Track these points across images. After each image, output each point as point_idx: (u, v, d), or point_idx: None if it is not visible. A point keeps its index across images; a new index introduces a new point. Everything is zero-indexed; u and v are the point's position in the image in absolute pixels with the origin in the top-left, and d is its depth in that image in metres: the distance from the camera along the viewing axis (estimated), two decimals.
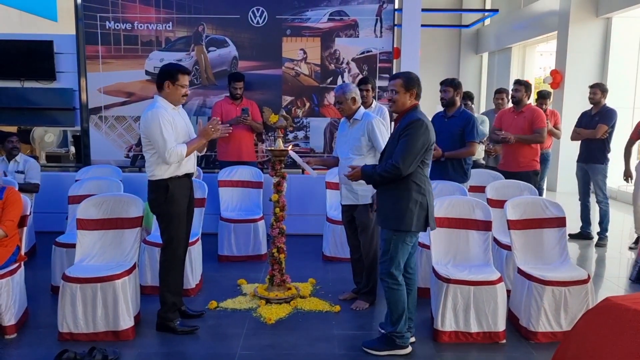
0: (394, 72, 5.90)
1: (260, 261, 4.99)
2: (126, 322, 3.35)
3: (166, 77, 3.39)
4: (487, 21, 14.37)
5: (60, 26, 9.41)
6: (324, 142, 5.98)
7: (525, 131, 5.17)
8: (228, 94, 5.53)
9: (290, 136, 5.97)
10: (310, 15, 5.83)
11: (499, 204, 4.25)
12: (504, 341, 3.37)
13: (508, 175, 5.02)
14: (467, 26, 14.39)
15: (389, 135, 3.39)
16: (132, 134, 5.99)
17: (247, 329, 3.52)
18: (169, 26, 5.83)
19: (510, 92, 5.42)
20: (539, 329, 3.38)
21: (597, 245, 5.74)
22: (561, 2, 9.31)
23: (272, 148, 3.94)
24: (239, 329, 3.53)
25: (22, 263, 3.58)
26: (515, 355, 3.24)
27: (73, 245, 3.95)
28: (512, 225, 3.67)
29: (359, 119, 3.78)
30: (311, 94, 5.94)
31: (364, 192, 3.74)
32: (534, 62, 13.16)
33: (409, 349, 3.21)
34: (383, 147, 3.63)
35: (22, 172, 5.06)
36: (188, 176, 3.55)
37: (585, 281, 3.42)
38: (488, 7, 14.75)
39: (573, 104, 8.39)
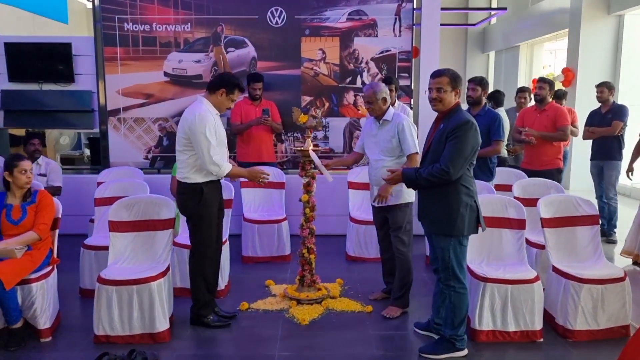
0: (413, 72, 5.92)
1: (284, 262, 4.97)
2: (162, 324, 3.34)
3: (224, 85, 3.45)
4: (494, 20, 14.36)
5: (69, 29, 9.40)
6: (344, 142, 5.97)
7: (549, 129, 5.15)
8: (247, 95, 5.51)
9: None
10: (329, 15, 5.82)
11: (526, 202, 4.21)
12: (542, 340, 3.35)
13: (531, 173, 5.00)
14: (473, 25, 14.38)
15: (428, 134, 3.31)
16: (151, 136, 5.98)
17: (282, 330, 3.51)
18: (187, 27, 5.82)
19: (534, 90, 5.37)
20: (577, 327, 3.36)
21: (607, 242, 5.70)
22: (572, 0, 9.29)
23: (302, 148, 3.92)
24: (274, 330, 3.52)
25: (55, 266, 3.57)
26: (554, 354, 3.23)
27: (102, 248, 4.00)
28: (546, 223, 3.65)
29: (389, 119, 3.70)
30: (330, 93, 5.93)
31: (397, 193, 3.69)
32: (541, 60, 13.14)
33: (466, 351, 3.18)
34: (412, 148, 3.60)
35: (44, 175, 5.04)
36: (219, 180, 3.60)
37: (622, 279, 3.41)
38: (494, 5, 14.74)
39: (586, 102, 8.37)
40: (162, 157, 6.01)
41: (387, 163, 3.64)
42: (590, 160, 6.03)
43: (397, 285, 3.75)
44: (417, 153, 3.63)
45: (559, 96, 6.44)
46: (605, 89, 5.77)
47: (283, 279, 4.46)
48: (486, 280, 3.33)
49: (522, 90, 6.39)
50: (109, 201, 4.32)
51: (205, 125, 3.32)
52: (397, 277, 3.75)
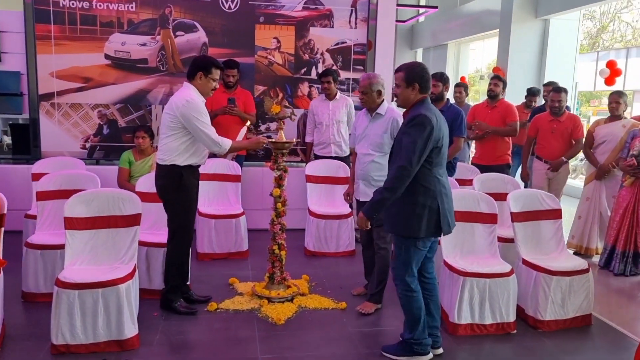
0: (368, 64, 5.90)
1: (243, 258, 4.77)
2: (130, 330, 3.06)
3: (200, 68, 3.42)
4: (422, 18, 14.77)
5: None
6: (297, 134, 5.83)
7: (500, 125, 5.34)
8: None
9: (262, 127, 5.76)
10: (284, 3, 5.64)
11: None
12: (515, 331, 3.45)
13: (482, 168, 5.16)
14: (403, 22, 14.68)
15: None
16: (90, 123, 5.50)
17: (259, 331, 3.35)
18: (131, 7, 5.40)
19: (489, 86, 5.52)
20: (547, 317, 3.50)
21: None
22: (503, 2, 9.73)
23: (275, 140, 3.75)
24: (250, 331, 3.35)
25: (1, 269, 3.15)
26: (528, 344, 3.33)
27: (49, 247, 3.65)
28: (515, 217, 3.76)
29: (382, 113, 3.61)
30: (285, 84, 5.77)
31: None
32: (468, 59, 13.72)
33: (430, 356, 3.06)
34: None
35: None
36: (198, 166, 3.55)
37: (586, 271, 3.59)
38: (423, 3, 15.16)
39: (515, 100, 8.80)
40: (103, 146, 5.56)
41: (376, 159, 3.57)
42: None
43: (375, 280, 3.71)
44: None
45: (533, 93, 6.71)
46: (550, 88, 6.07)
47: (246, 276, 4.28)
48: (465, 274, 3.36)
49: (458, 86, 6.61)
50: (53, 195, 3.95)
51: (198, 109, 3.35)
52: (375, 272, 3.70)
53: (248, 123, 3.93)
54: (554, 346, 3.31)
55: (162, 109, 5.33)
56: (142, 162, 4.75)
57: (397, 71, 2.98)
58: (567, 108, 5.50)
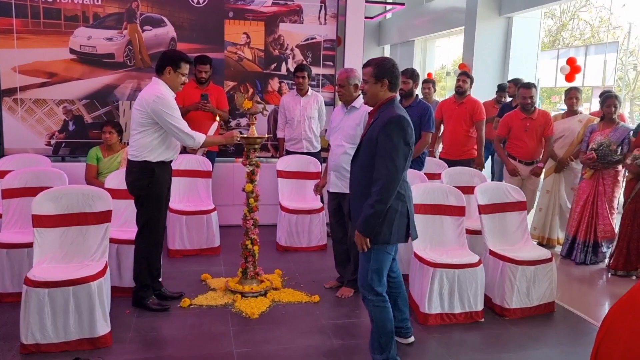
0: (338, 60, 5.95)
1: (214, 254, 4.76)
2: (103, 327, 3.03)
3: (168, 63, 3.40)
4: (389, 14, 14.90)
5: None
6: (268, 129, 5.84)
7: (467, 121, 5.46)
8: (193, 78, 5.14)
9: (233, 123, 5.74)
10: None
11: None
12: (483, 319, 3.56)
13: (450, 163, 5.28)
14: (371, 18, 14.81)
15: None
16: (54, 119, 5.38)
17: (233, 325, 3.36)
18: (97, 0, 5.28)
19: (457, 82, 5.62)
20: (513, 305, 3.62)
21: None
22: (468, 0, 9.92)
23: (247, 135, 3.76)
24: (224, 326, 3.36)
25: None
26: (496, 332, 3.45)
27: (15, 245, 3.59)
28: (482, 209, 3.87)
29: (357, 107, 3.67)
30: (255, 79, 5.76)
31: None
32: (434, 55, 13.93)
33: None
34: None
35: None
36: (170, 162, 3.55)
37: (550, 260, 3.73)
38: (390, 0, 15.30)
39: (480, 96, 9.01)
40: (68, 143, 5.44)
41: (348, 150, 3.61)
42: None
43: (352, 266, 3.79)
44: None
45: (503, 89, 6.84)
46: (513, 85, 6.26)
47: (218, 272, 4.27)
48: (435, 265, 3.45)
49: (426, 82, 6.73)
50: (19, 193, 3.87)
51: (168, 105, 3.33)
52: (352, 259, 3.80)
53: (218, 118, 3.92)
54: (520, 333, 3.44)
55: (130, 104, 5.34)
56: (111, 159, 4.67)
57: (365, 66, 2.84)
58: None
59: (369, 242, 2.68)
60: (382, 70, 2.75)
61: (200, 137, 3.46)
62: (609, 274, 4.67)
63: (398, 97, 2.84)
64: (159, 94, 3.32)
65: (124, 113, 5.47)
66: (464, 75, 5.58)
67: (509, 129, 5.22)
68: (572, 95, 5.23)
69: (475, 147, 5.59)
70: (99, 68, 5.38)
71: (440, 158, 5.59)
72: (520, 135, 5.14)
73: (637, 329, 1.86)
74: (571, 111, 5.26)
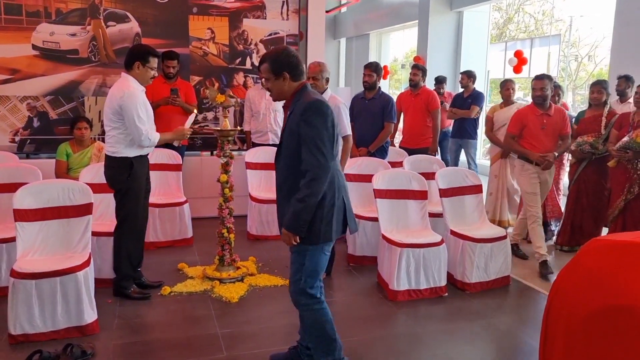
0: (300, 55, 6.13)
1: (188, 245, 4.89)
2: (90, 315, 3.15)
3: (136, 58, 3.45)
4: (344, 8, 15.16)
5: None
6: (234, 123, 5.97)
7: (423, 111, 5.76)
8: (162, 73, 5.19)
9: (200, 117, 5.85)
10: None
11: None
12: (446, 294, 3.87)
13: (409, 151, 5.58)
14: (327, 12, 15.01)
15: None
16: (18, 116, 5.34)
17: (215, 310, 3.53)
18: None
19: (410, 75, 5.91)
20: (472, 280, 3.94)
21: None
22: None
23: (220, 128, 3.91)
24: (206, 310, 3.52)
25: None
26: (458, 304, 3.76)
27: None
28: (443, 193, 4.17)
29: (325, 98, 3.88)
30: (220, 74, 5.88)
31: None
32: (389, 48, 14.29)
33: None
34: (347, 130, 3.82)
35: None
36: (147, 154, 3.66)
37: (504, 237, 4.07)
38: None
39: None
40: (33, 140, 5.42)
41: None
42: (451, 137, 6.88)
43: None
44: (350, 135, 3.85)
45: (440, 81, 7.18)
46: (465, 76, 6.63)
47: (194, 262, 4.42)
48: (402, 245, 3.72)
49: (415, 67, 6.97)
50: None
51: (136, 102, 3.39)
52: None
53: (195, 111, 4.04)
54: (480, 304, 3.76)
55: (96, 100, 5.37)
56: (81, 154, 4.72)
57: (261, 62, 2.62)
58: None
59: (303, 242, 2.45)
60: (278, 65, 2.52)
61: (155, 138, 3.51)
62: (557, 249, 5.08)
63: (308, 84, 2.59)
64: (127, 90, 3.40)
65: (89, 109, 5.49)
66: (415, 68, 5.87)
67: (522, 127, 4.51)
68: (508, 87, 5.59)
69: (432, 136, 5.90)
70: (63, 64, 5.37)
71: (400, 147, 5.89)
72: (536, 134, 4.43)
73: (581, 287, 2.18)
74: (508, 101, 5.61)
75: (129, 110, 3.35)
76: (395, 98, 5.56)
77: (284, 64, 2.51)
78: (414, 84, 5.85)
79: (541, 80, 4.36)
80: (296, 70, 2.53)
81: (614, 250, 2.12)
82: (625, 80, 5.05)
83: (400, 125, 6.21)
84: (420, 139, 5.80)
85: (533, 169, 4.47)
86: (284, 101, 2.60)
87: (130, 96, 3.36)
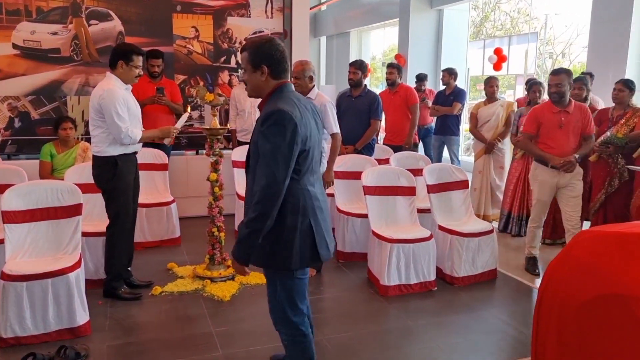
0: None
1: (176, 245, 4.87)
2: (82, 317, 3.13)
3: (120, 57, 3.43)
4: (325, 6, 15.18)
5: None
6: (219, 122, 5.93)
7: (403, 108, 5.86)
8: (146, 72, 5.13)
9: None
10: None
11: None
12: (436, 288, 3.93)
13: (394, 148, 5.64)
14: None
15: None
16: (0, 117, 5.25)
17: (208, 308, 3.53)
18: None
19: (386, 75, 6.01)
20: (461, 274, 4.01)
21: None
22: None
23: (209, 127, 3.90)
24: (199, 309, 3.52)
25: None
26: (448, 298, 3.83)
27: None
28: (430, 189, 4.23)
29: (312, 98, 3.85)
30: (205, 72, 5.85)
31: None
32: (370, 46, 14.37)
33: None
34: (333, 128, 3.82)
35: None
36: (134, 153, 3.64)
37: (491, 231, 4.15)
38: None
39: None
40: (14, 140, 5.32)
41: None
42: (434, 134, 6.97)
43: None
44: (338, 133, 3.85)
45: (421, 78, 7.27)
46: (446, 74, 6.71)
47: (183, 261, 4.40)
48: (392, 241, 3.77)
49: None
50: None
51: (115, 100, 3.36)
52: None
53: (189, 110, 4.00)
54: (469, 297, 3.83)
55: (79, 99, 5.30)
56: (66, 155, 4.66)
57: (241, 50, 2.34)
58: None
59: (268, 268, 2.27)
60: (258, 56, 2.18)
61: (137, 135, 3.47)
62: (540, 242, 5.18)
63: (290, 85, 2.25)
64: (107, 88, 3.38)
65: (72, 109, 5.42)
66: (390, 67, 6.00)
67: (538, 126, 4.13)
68: (492, 84, 5.70)
69: (415, 133, 5.97)
70: (45, 63, 5.29)
71: (384, 144, 5.95)
72: (553, 133, 4.06)
73: (573, 278, 2.24)
74: (492, 98, 5.71)
75: (108, 107, 3.34)
76: None
77: (264, 56, 2.18)
78: (391, 83, 5.95)
79: (557, 75, 3.99)
80: (278, 66, 2.20)
81: (604, 241, 2.19)
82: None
83: (383, 123, 6.27)
84: (401, 137, 5.87)
85: (548, 174, 4.08)
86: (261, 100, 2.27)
87: (109, 93, 3.34)
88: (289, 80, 2.27)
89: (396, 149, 5.59)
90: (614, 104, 4.65)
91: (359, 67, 4.98)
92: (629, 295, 1.93)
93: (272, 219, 2.07)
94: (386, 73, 6.01)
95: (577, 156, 4.01)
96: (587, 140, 4.12)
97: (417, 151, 6.08)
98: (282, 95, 2.18)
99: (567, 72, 4.06)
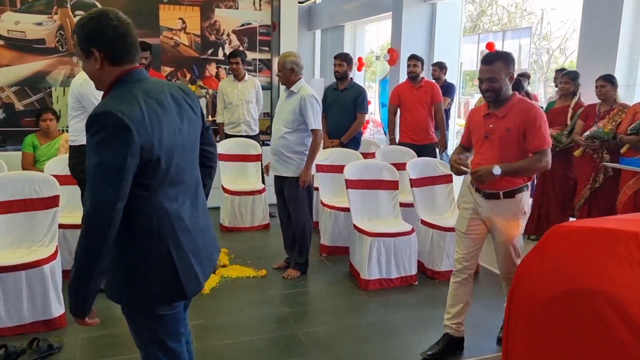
0: (273, 46, 6.11)
1: None
2: (57, 309, 3.11)
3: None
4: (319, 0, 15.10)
5: None
6: (206, 114, 5.92)
7: (428, 104, 5.33)
8: None
9: None
10: None
11: None
12: (417, 282, 3.92)
13: (415, 148, 5.29)
14: (301, 3, 14.94)
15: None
16: None
17: None
18: None
19: (408, 68, 5.39)
20: (442, 268, 4.00)
21: None
22: None
23: None
24: None
25: None
26: (429, 292, 3.82)
27: None
28: (413, 183, 4.21)
29: (295, 91, 3.76)
30: (192, 64, 5.81)
31: (291, 164, 3.80)
32: (364, 40, 14.31)
33: None
34: (312, 124, 3.72)
35: None
36: None
37: None
38: None
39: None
40: None
41: (284, 134, 3.76)
42: None
43: (297, 252, 3.98)
44: (318, 129, 3.74)
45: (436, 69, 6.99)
46: (437, 68, 6.67)
47: None
48: (373, 235, 3.76)
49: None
50: None
51: (94, 87, 3.21)
52: (297, 245, 3.96)
53: None
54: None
55: (64, 90, 5.26)
56: (48, 146, 4.63)
57: (72, 33, 1.93)
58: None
59: (123, 304, 1.82)
60: (84, 38, 1.65)
61: None
62: (525, 238, 5.18)
63: (142, 71, 1.76)
64: (86, 77, 3.33)
65: (57, 100, 5.38)
66: (414, 59, 5.31)
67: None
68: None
69: (441, 130, 5.69)
70: (29, 54, 5.25)
71: (401, 143, 5.38)
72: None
73: (544, 273, 2.23)
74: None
75: (87, 95, 3.31)
76: (371, 90, 5.54)
77: (92, 38, 1.64)
78: (414, 76, 5.30)
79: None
80: (114, 47, 1.66)
81: (575, 236, 2.18)
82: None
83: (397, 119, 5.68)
84: (427, 135, 5.35)
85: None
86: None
87: (88, 82, 3.27)
88: (137, 64, 1.74)
89: (418, 148, 5.12)
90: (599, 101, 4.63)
91: (344, 59, 4.94)
92: (593, 290, 1.92)
93: (103, 257, 1.56)
94: (410, 65, 5.31)
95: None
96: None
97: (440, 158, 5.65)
98: (124, 87, 1.68)
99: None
